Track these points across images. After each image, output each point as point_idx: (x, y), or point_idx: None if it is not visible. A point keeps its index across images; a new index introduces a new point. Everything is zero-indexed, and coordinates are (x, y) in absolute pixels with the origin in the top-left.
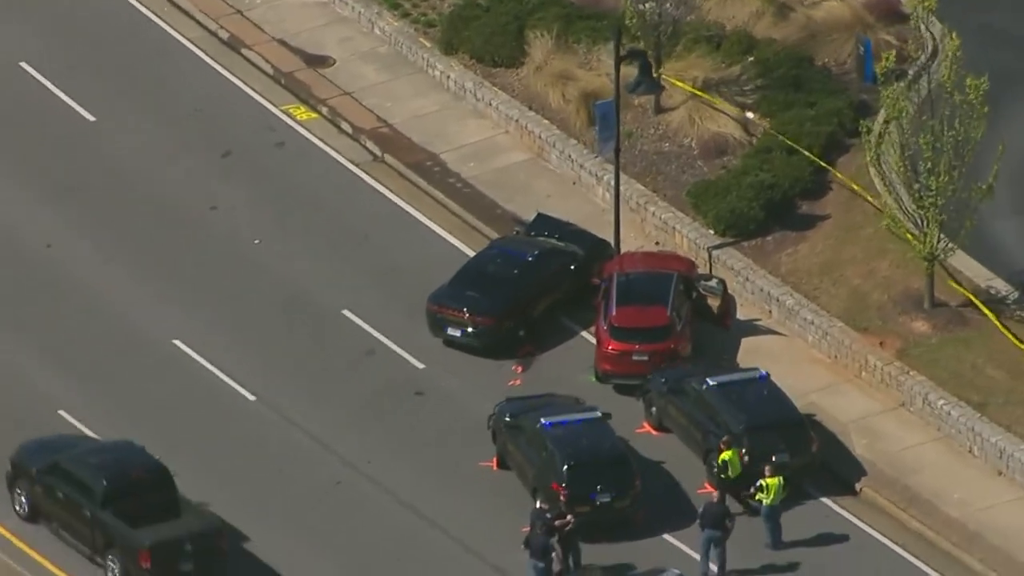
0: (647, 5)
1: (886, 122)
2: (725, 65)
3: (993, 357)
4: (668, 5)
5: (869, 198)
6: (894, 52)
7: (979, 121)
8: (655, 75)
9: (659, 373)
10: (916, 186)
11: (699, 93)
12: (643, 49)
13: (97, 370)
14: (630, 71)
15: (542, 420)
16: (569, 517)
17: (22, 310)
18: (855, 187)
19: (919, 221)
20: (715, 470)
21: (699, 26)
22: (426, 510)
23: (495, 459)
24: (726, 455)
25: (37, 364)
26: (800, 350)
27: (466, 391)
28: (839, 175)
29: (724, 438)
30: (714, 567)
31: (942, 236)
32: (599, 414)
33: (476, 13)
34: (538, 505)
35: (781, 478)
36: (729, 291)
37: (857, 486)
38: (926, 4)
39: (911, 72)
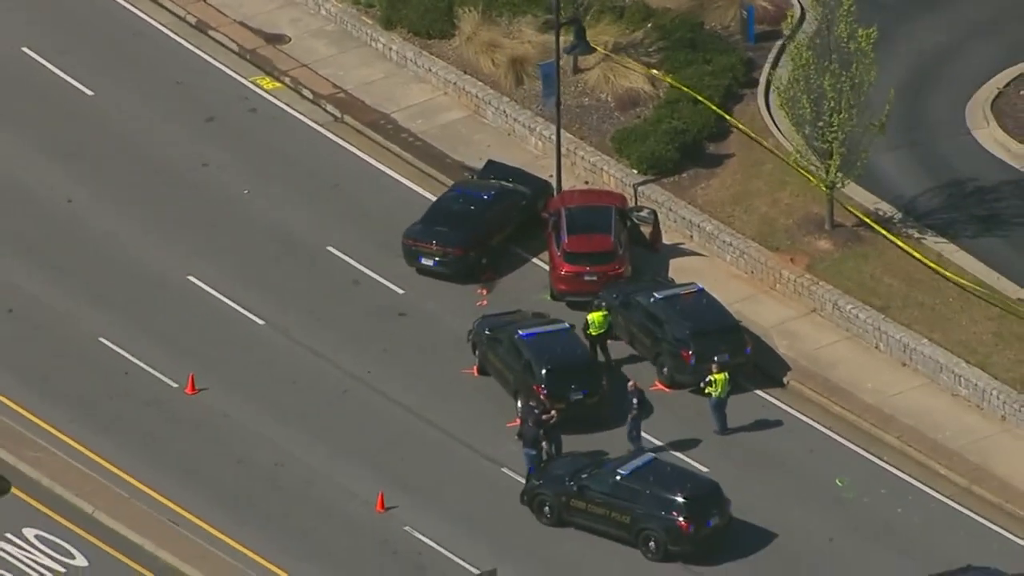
0: None
1: (793, 70)
2: (629, 31)
3: (888, 268)
4: None
5: (764, 142)
6: (796, 10)
7: (870, 66)
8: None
9: (609, 290)
10: (820, 123)
11: (610, 55)
12: (579, 16)
13: (128, 303)
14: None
15: (519, 332)
16: (553, 412)
17: (55, 255)
18: (751, 134)
19: (823, 154)
20: (585, 329)
21: None
22: (422, 411)
23: (475, 367)
24: (593, 315)
25: (74, 301)
26: (720, 268)
27: (442, 311)
28: (739, 125)
29: (599, 309)
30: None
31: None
32: (567, 326)
33: None
34: (528, 403)
35: (726, 374)
36: (660, 220)
37: (784, 380)
38: None
39: (786, 32)
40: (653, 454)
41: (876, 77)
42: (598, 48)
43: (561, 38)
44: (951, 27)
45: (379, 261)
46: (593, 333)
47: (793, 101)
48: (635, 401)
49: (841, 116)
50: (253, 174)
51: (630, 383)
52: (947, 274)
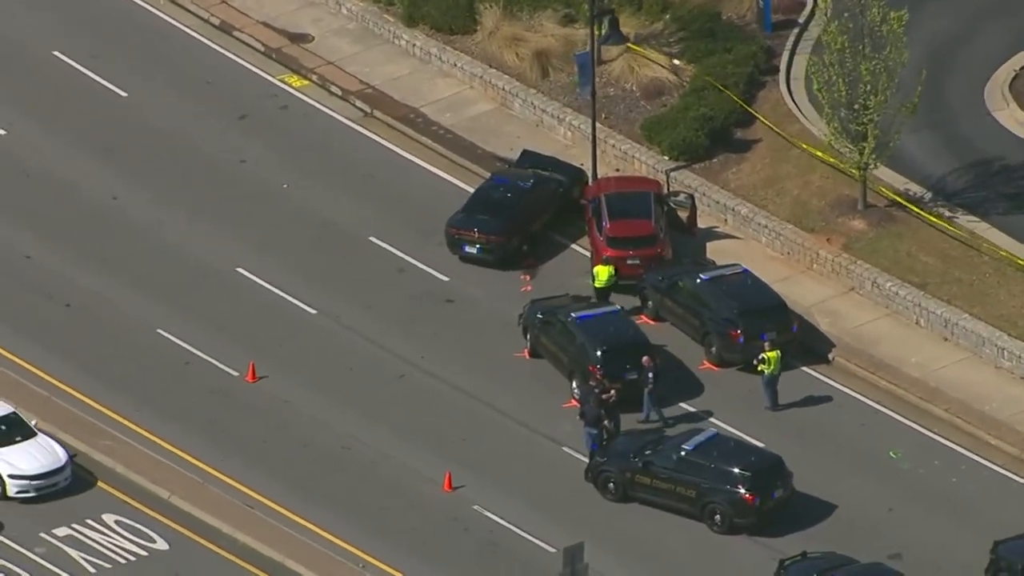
0: None
1: (829, 55)
2: (648, 23)
3: (923, 246)
4: None
5: (787, 136)
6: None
7: (903, 48)
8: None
9: (654, 273)
10: (856, 106)
11: (634, 47)
12: (612, 8)
13: (180, 296)
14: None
15: (572, 314)
16: (612, 392)
17: (106, 251)
18: (773, 128)
19: (857, 136)
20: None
21: None
22: (479, 393)
23: (526, 350)
24: (598, 269)
25: (129, 294)
26: (757, 250)
27: (488, 297)
28: (763, 119)
29: (606, 262)
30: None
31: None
32: (619, 308)
33: None
34: (587, 383)
35: (778, 351)
36: (696, 204)
37: (830, 356)
38: None
39: (800, 21)
40: (715, 430)
41: (908, 59)
42: (628, 40)
43: (584, 29)
44: (959, 13)
45: (421, 250)
46: (597, 286)
47: (829, 85)
48: (651, 376)
49: (878, 99)
50: (290, 169)
51: (644, 358)
52: (984, 248)
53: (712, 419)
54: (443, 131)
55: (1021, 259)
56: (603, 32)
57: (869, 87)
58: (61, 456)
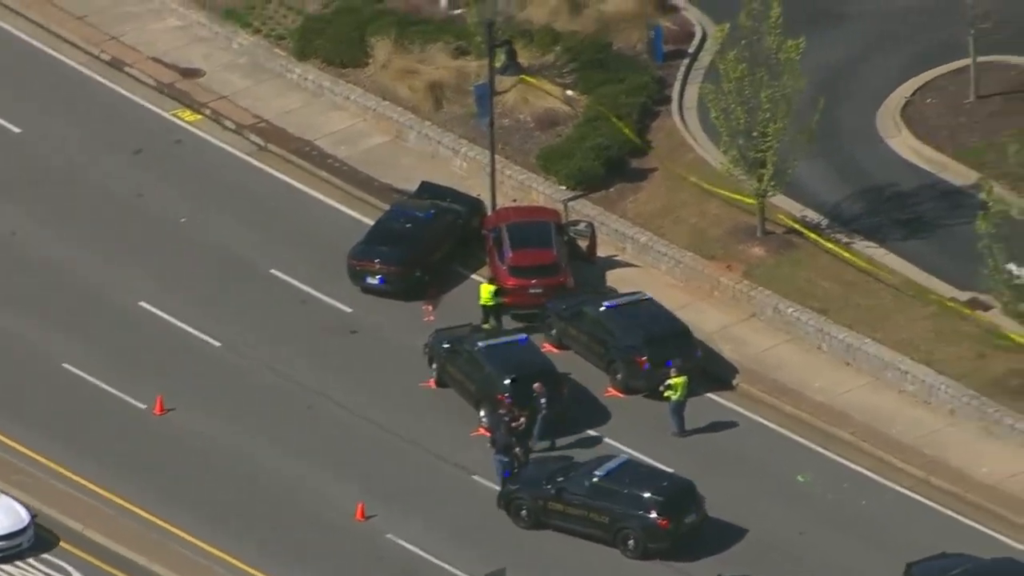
0: (488, 3)
1: (727, 83)
2: (540, 54)
3: (822, 272)
4: (503, 4)
5: (682, 172)
6: (727, 25)
7: (799, 75)
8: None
9: (558, 301)
10: (754, 133)
11: (528, 78)
12: (508, 39)
13: (85, 330)
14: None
15: (480, 343)
16: (522, 420)
17: (8, 287)
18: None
19: (756, 164)
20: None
21: (510, 25)
22: (387, 423)
23: (432, 380)
24: (482, 287)
25: (33, 330)
26: (657, 278)
27: (391, 327)
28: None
29: (491, 280)
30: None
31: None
32: (525, 336)
33: (322, 25)
34: (496, 411)
35: (685, 377)
36: (597, 233)
37: (734, 382)
38: None
39: (690, 51)
40: (627, 456)
41: (804, 86)
42: (526, 71)
43: (477, 60)
44: (848, 42)
45: (323, 281)
46: (482, 303)
47: (727, 113)
48: (543, 402)
49: (776, 126)
50: (187, 202)
51: (536, 384)
52: (882, 274)
53: (620, 445)
54: (339, 163)
55: (916, 285)
56: (501, 63)
57: (768, 114)
58: (24, 516)
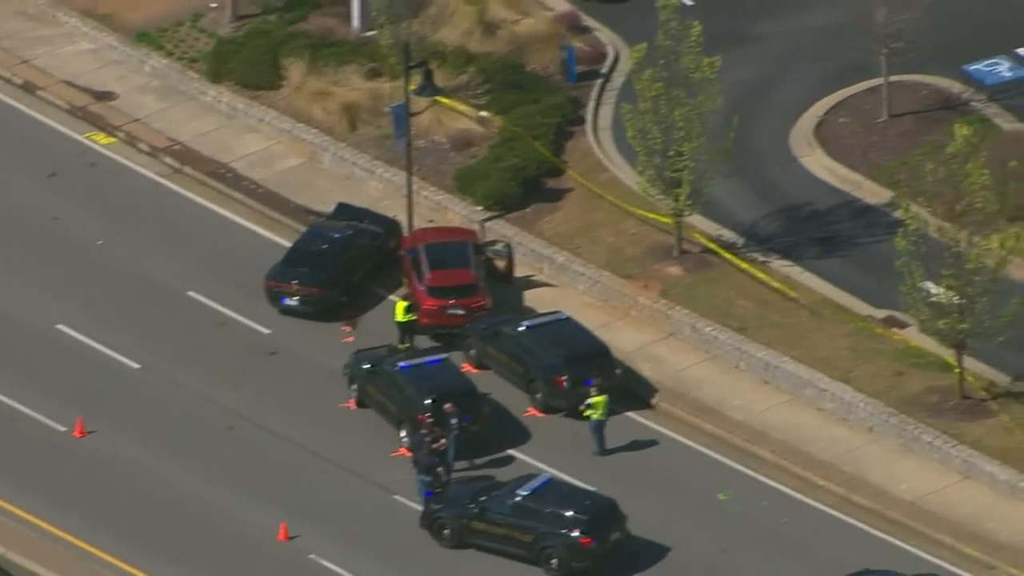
0: (402, 25)
1: (643, 102)
2: (454, 75)
3: (739, 291)
4: (417, 26)
5: (596, 189)
6: (644, 44)
7: (716, 94)
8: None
9: (477, 321)
10: (671, 152)
11: (442, 99)
12: (425, 60)
13: (5, 354)
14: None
15: (400, 364)
16: (443, 440)
17: None
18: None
19: (672, 183)
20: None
21: (424, 46)
22: (307, 444)
23: (352, 400)
24: (397, 304)
25: None
26: (574, 298)
27: (310, 348)
28: (573, 174)
29: (405, 298)
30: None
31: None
32: (445, 356)
33: (235, 48)
34: (417, 432)
35: (605, 396)
36: (514, 253)
37: (653, 401)
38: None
39: (603, 71)
40: (550, 475)
41: (721, 104)
42: (443, 92)
43: (390, 82)
44: (760, 61)
45: (240, 303)
46: (397, 321)
47: (643, 133)
48: (453, 422)
49: (692, 144)
50: (103, 225)
51: (446, 405)
52: (794, 294)
53: (541, 465)
54: (254, 186)
55: (832, 303)
56: (418, 84)
57: (683, 133)
58: None
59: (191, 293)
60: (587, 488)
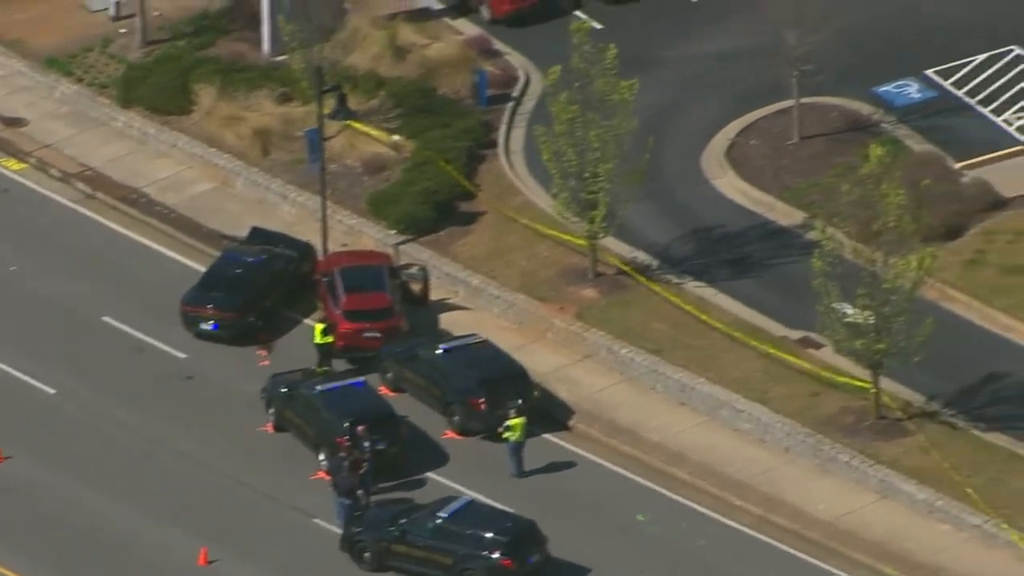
0: (314, 49)
1: (559, 125)
2: (366, 99)
3: (653, 313)
4: (328, 50)
5: (509, 212)
6: (559, 67)
7: (631, 117)
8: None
9: (393, 344)
10: (586, 175)
11: (354, 123)
12: (339, 84)
13: None
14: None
15: (317, 388)
16: (365, 465)
17: None
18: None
19: (588, 205)
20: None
21: (335, 70)
22: (225, 468)
23: (270, 424)
24: (316, 326)
25: None
26: (489, 320)
27: (226, 372)
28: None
29: (322, 320)
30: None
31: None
32: (363, 380)
33: (144, 73)
34: (337, 455)
35: (523, 419)
36: (430, 277)
37: (570, 423)
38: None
39: (514, 95)
40: (470, 497)
41: (636, 126)
42: (357, 115)
43: (302, 107)
44: (670, 83)
45: (156, 328)
46: (316, 343)
47: (558, 155)
48: (366, 445)
49: (607, 166)
50: (17, 251)
51: (359, 427)
52: (706, 319)
53: (459, 487)
54: (167, 211)
55: (747, 325)
56: (332, 108)
57: (598, 155)
58: None
59: (106, 318)
60: (507, 510)
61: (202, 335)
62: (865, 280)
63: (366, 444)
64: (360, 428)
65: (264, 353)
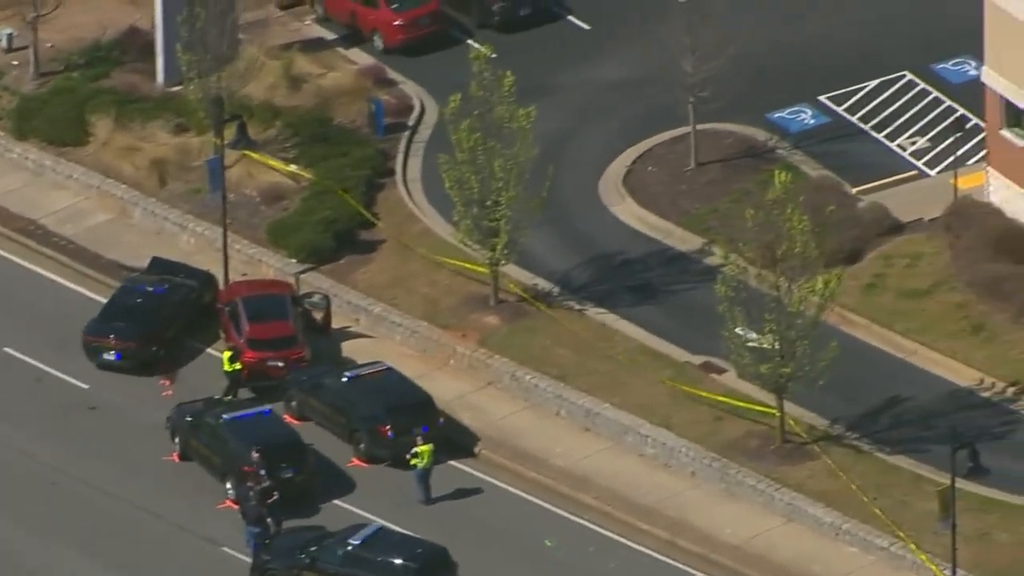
0: (211, 79)
1: (460, 153)
2: (262, 129)
3: (558, 339)
4: (225, 80)
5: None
6: (459, 95)
7: (531, 144)
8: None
9: (298, 373)
10: (488, 202)
11: (251, 153)
12: (240, 114)
13: None
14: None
15: (224, 416)
16: (275, 494)
17: None
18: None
19: (490, 233)
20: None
21: (231, 101)
22: (132, 498)
23: (175, 454)
24: (224, 354)
25: None
26: (392, 348)
27: (130, 402)
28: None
29: (229, 348)
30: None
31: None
32: (269, 408)
33: (39, 105)
34: (245, 483)
35: (431, 445)
36: (331, 305)
37: (476, 450)
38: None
39: (410, 124)
40: (380, 523)
41: (536, 154)
42: (257, 145)
43: (198, 137)
44: (565, 113)
45: (58, 359)
46: (225, 370)
47: (461, 183)
48: (262, 473)
49: (509, 194)
50: None
51: (254, 454)
52: (615, 339)
53: (367, 514)
54: (65, 242)
55: (649, 350)
56: (232, 137)
57: (500, 183)
58: None
59: (7, 349)
60: (417, 537)
61: (104, 365)
62: (770, 305)
63: (262, 472)
64: (255, 455)
65: (167, 383)
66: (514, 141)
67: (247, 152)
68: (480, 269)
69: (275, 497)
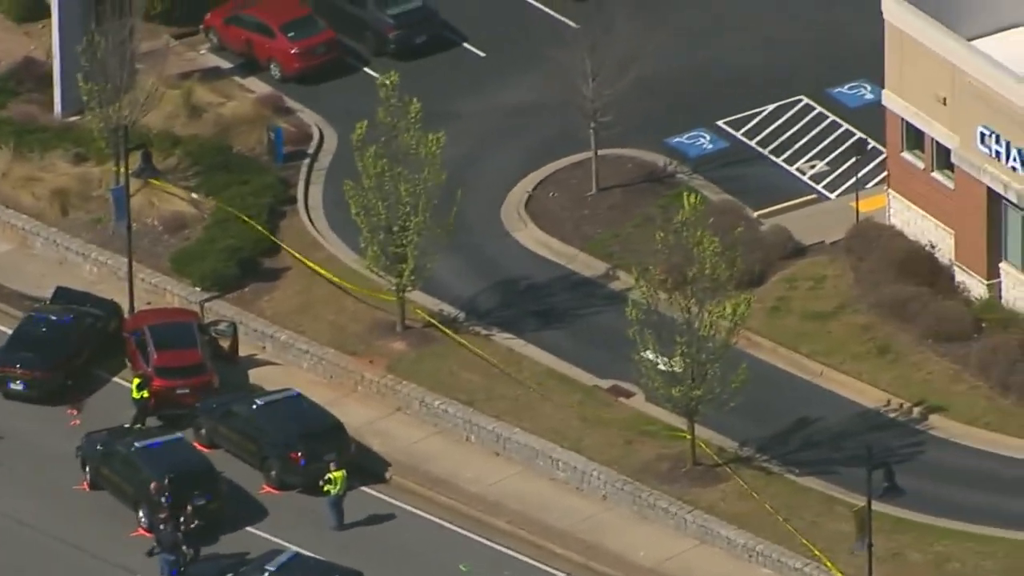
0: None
1: (367, 179)
2: (163, 158)
3: (465, 365)
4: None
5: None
6: (365, 122)
7: (439, 169)
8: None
9: (207, 400)
10: (395, 228)
11: (153, 181)
12: (145, 143)
13: None
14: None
15: (135, 444)
16: (197, 521)
17: None
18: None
19: (397, 259)
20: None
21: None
22: (45, 528)
23: (86, 483)
24: (136, 386)
25: None
26: (299, 375)
27: (37, 432)
28: (287, 248)
29: (138, 375)
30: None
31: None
32: (180, 435)
33: None
34: (157, 512)
35: (344, 471)
36: (238, 333)
37: (387, 475)
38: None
39: (310, 152)
40: (296, 550)
41: (444, 179)
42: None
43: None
44: (464, 139)
45: None
46: (134, 397)
47: (367, 209)
48: (163, 501)
49: (417, 219)
50: None
51: (152, 484)
52: (513, 371)
53: (280, 541)
54: None
55: (557, 374)
56: (136, 166)
57: (408, 208)
58: None
59: None
60: (333, 562)
61: (11, 395)
62: (680, 328)
63: (163, 500)
64: (154, 485)
65: (74, 412)
66: (421, 167)
67: (150, 180)
68: (386, 296)
69: (196, 523)
